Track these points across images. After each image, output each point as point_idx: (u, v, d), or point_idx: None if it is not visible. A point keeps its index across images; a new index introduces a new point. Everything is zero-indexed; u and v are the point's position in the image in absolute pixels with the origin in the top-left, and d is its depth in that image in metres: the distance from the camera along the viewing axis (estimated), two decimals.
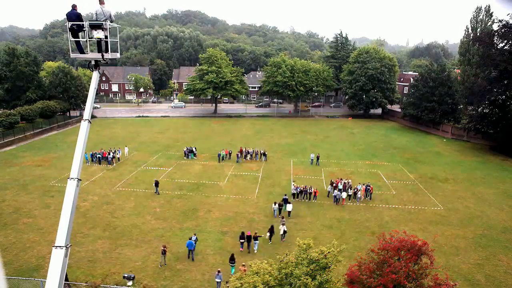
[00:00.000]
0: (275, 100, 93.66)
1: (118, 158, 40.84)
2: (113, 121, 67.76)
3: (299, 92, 75.81)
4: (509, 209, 29.44)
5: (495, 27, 49.51)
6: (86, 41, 9.91)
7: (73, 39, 9.99)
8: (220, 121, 69.74)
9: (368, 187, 30.85)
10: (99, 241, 23.14)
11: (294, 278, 12.00)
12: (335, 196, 29.93)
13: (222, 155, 41.65)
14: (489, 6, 59.10)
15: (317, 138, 55.11)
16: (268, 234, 23.24)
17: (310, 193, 30.44)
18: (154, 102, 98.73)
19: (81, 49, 10.24)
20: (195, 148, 43.66)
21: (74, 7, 10.00)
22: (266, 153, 42.68)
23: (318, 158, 41.51)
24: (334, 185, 30.92)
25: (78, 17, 9.96)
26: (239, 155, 41.23)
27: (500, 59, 44.75)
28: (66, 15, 9.96)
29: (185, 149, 43.56)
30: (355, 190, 30.54)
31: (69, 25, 9.81)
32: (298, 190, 30.61)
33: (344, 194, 29.91)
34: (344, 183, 31.14)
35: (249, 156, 42.08)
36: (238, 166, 39.57)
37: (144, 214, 27.19)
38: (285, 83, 74.40)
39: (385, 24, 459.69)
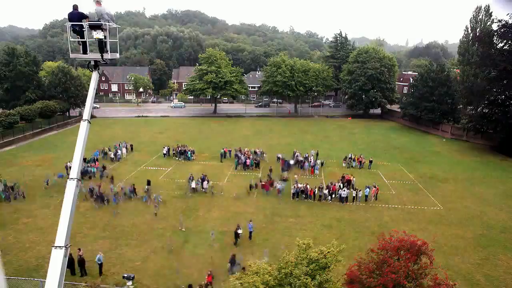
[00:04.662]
0: (275, 100, 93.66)
1: (132, 146, 45.35)
2: (113, 121, 67.72)
3: (298, 92, 75.82)
4: (509, 209, 29.47)
5: (495, 27, 49.58)
6: (86, 41, 9.89)
7: (77, 39, 9.97)
8: (220, 121, 69.72)
9: (374, 187, 30.83)
10: (99, 241, 23.13)
11: (293, 278, 12.00)
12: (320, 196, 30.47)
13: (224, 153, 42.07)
14: (488, 6, 59.23)
15: (317, 138, 55.12)
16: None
17: (307, 193, 30.52)
18: (154, 102, 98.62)
19: (85, 49, 10.17)
20: (192, 152, 42.52)
21: (75, 7, 9.97)
22: (265, 153, 42.67)
23: (317, 154, 41.57)
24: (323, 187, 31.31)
25: (81, 17, 9.92)
26: (239, 156, 40.84)
27: (500, 59, 44.80)
28: (68, 15, 9.92)
29: (165, 148, 42.72)
30: (358, 190, 30.58)
31: (69, 25, 9.79)
32: (299, 190, 30.63)
33: (344, 193, 30.03)
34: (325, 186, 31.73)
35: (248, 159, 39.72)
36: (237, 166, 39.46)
37: (144, 214, 27.18)
38: (284, 83, 74.40)
39: (384, 24, 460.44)
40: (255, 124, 66.02)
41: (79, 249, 19.89)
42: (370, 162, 39.94)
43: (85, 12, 10.01)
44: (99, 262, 19.63)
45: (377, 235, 17.33)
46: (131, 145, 45.81)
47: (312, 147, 45.81)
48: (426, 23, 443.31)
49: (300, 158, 39.74)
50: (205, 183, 31.93)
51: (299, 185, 31.01)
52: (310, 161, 38.73)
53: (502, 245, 23.53)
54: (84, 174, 33.93)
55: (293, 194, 30.76)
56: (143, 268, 20.36)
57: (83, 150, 9.22)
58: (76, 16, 9.88)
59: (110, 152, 41.57)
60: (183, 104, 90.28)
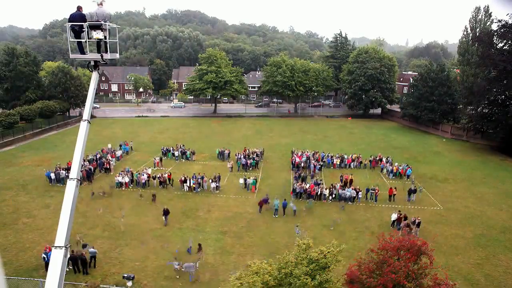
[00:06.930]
0: (275, 100, 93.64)
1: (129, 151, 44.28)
2: (113, 121, 67.72)
3: (298, 92, 75.80)
4: (509, 209, 29.46)
5: (494, 27, 49.53)
6: (86, 41, 9.88)
7: (74, 39, 9.96)
8: (220, 121, 69.73)
9: (373, 190, 30.75)
10: (99, 241, 23.09)
11: (293, 278, 11.99)
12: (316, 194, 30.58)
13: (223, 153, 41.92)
14: (488, 6, 59.12)
15: (317, 138, 55.11)
16: None
17: (309, 193, 30.46)
18: (154, 102, 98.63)
19: (82, 50, 10.19)
20: (191, 152, 42.27)
21: (79, 8, 9.94)
22: (263, 152, 42.60)
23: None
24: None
25: (82, 18, 9.90)
26: (240, 157, 40.71)
27: (499, 59, 44.72)
28: (70, 16, 9.91)
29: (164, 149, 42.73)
30: (358, 190, 30.55)
31: (69, 25, 9.77)
32: (302, 190, 30.62)
33: (343, 193, 29.99)
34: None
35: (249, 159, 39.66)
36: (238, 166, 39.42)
37: (144, 214, 27.17)
38: (284, 83, 74.38)
39: (384, 24, 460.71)
40: (255, 124, 66.01)
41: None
42: (372, 161, 39.71)
43: (85, 13, 10.00)
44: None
45: (377, 235, 17.31)
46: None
47: (312, 147, 45.80)
48: (426, 23, 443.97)
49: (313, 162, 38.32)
50: (208, 182, 32.08)
51: (303, 185, 30.99)
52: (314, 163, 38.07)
53: (502, 245, 23.52)
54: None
55: (294, 194, 30.75)
56: (143, 268, 20.36)
57: (83, 150, 9.21)
58: (78, 16, 9.85)
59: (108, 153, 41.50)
60: (183, 104, 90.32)
